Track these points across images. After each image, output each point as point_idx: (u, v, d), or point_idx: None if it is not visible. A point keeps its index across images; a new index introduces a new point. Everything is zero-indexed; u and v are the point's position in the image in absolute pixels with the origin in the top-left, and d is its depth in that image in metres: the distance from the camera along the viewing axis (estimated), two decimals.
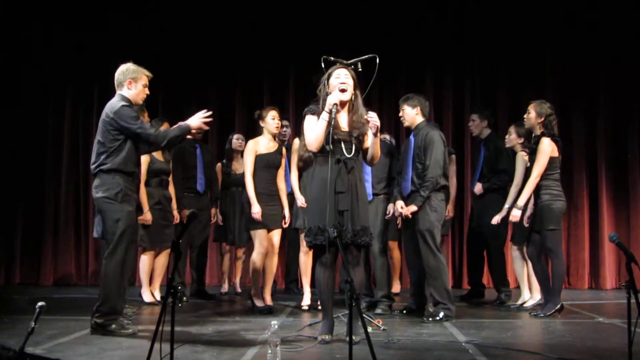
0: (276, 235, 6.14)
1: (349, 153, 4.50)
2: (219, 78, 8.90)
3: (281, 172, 6.22)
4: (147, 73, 4.92)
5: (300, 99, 8.69)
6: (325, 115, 4.42)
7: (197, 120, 4.76)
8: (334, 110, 4.40)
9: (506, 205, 6.25)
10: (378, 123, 4.44)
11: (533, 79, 8.65)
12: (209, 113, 4.79)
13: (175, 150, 6.94)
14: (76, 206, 8.82)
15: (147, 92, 4.96)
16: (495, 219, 6.33)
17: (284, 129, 6.99)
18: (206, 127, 4.89)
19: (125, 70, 4.88)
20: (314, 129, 4.49)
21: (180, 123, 4.82)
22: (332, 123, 4.39)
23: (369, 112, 4.50)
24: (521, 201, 5.77)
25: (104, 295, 4.71)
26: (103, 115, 4.80)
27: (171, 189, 6.74)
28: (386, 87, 8.64)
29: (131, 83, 4.84)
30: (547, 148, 5.71)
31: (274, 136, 6.23)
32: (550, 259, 5.87)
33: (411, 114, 5.79)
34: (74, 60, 8.77)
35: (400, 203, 5.79)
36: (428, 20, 8.66)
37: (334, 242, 4.20)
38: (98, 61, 8.53)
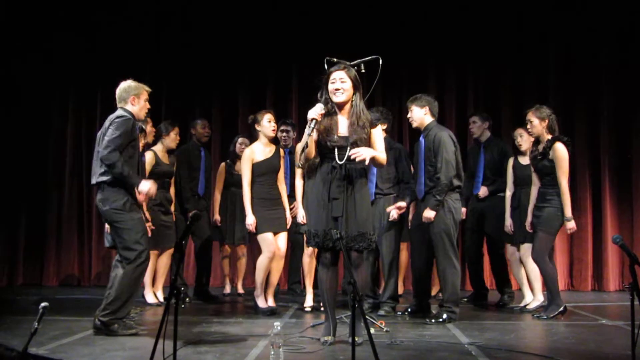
0: (282, 237, 6.14)
1: (341, 159, 4.46)
2: (222, 80, 8.91)
3: (281, 175, 6.22)
4: (147, 88, 5.09)
5: (303, 101, 8.69)
6: (306, 131, 4.41)
7: (144, 187, 4.81)
8: (312, 125, 4.38)
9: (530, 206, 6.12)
10: (361, 157, 4.35)
11: (536, 80, 8.64)
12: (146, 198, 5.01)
13: (181, 151, 6.99)
14: (79, 207, 8.83)
15: (149, 106, 5.13)
16: (527, 224, 6.15)
17: (284, 134, 6.94)
18: (143, 200, 5.02)
19: (127, 87, 5.00)
20: (299, 144, 4.48)
21: (136, 181, 4.83)
22: (312, 138, 4.41)
23: (354, 148, 4.37)
24: (568, 212, 5.67)
25: (116, 295, 4.74)
26: (106, 126, 4.88)
27: (172, 191, 6.76)
28: (388, 89, 8.64)
29: (134, 99, 4.98)
30: (565, 153, 5.69)
31: (271, 140, 6.21)
32: (537, 264, 5.85)
33: (419, 114, 5.74)
34: (77, 63, 8.77)
35: (401, 203, 5.84)
36: (430, 21, 8.64)
37: (336, 244, 4.20)
38: (101, 64, 8.56)
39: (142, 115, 5.09)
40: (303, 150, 4.41)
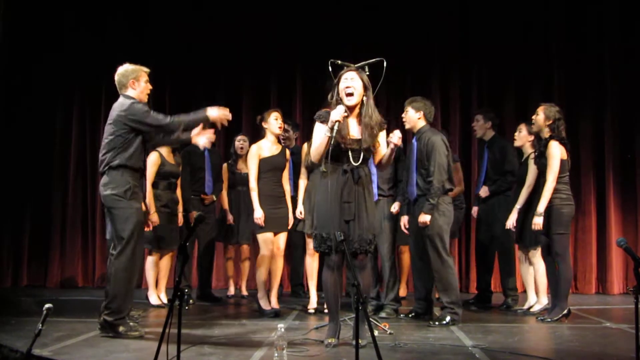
0: (281, 238, 6.16)
1: (356, 161, 4.48)
2: (226, 80, 8.92)
3: (286, 174, 6.24)
4: (146, 69, 5.03)
5: (307, 100, 8.70)
6: (327, 131, 4.41)
7: (217, 112, 4.85)
8: (335, 127, 4.38)
9: (517, 206, 6.24)
10: (399, 144, 4.48)
11: (540, 81, 8.64)
12: (230, 115, 4.91)
13: (183, 153, 6.98)
14: (83, 208, 8.83)
15: (150, 86, 5.06)
16: (509, 224, 6.30)
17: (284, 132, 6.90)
18: (224, 123, 4.95)
19: (124, 72, 4.96)
20: (317, 142, 4.50)
21: (198, 111, 4.89)
22: (333, 141, 4.39)
23: (395, 131, 4.48)
24: (541, 208, 5.69)
25: (113, 292, 4.73)
26: (113, 116, 4.86)
27: (179, 192, 6.76)
28: (392, 90, 8.62)
29: (134, 83, 4.93)
30: (557, 151, 5.70)
31: (278, 138, 6.24)
32: (557, 264, 5.85)
33: (413, 117, 5.79)
34: (81, 62, 8.76)
35: (404, 219, 5.94)
36: (433, 22, 8.63)
37: (341, 246, 4.20)
38: (105, 62, 8.52)
39: (145, 97, 4.99)
40: (330, 141, 4.39)
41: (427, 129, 5.75)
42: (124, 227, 4.72)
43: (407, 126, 5.89)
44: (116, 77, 4.97)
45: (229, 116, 4.90)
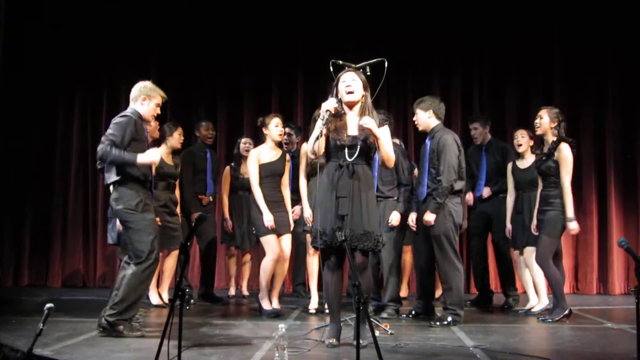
0: (286, 240, 6.15)
1: (351, 157, 4.49)
2: (227, 81, 8.92)
3: (285, 179, 6.23)
4: (162, 94, 5.05)
5: (308, 101, 8.69)
6: (319, 123, 4.44)
7: (146, 158, 4.76)
8: (326, 116, 4.41)
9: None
10: (368, 126, 4.38)
11: (541, 81, 8.64)
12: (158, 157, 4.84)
13: (184, 153, 6.98)
14: (84, 207, 8.84)
15: (159, 111, 5.09)
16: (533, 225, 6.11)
17: (286, 137, 6.84)
18: (154, 161, 4.88)
19: (142, 87, 5.00)
20: (311, 137, 4.54)
21: (132, 156, 4.75)
22: (324, 131, 4.43)
23: (364, 117, 4.43)
24: (570, 213, 5.67)
25: (123, 296, 4.74)
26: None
27: (177, 193, 6.76)
28: (393, 91, 8.63)
29: (145, 100, 4.96)
30: (569, 153, 5.71)
31: (278, 143, 6.23)
32: (540, 266, 5.83)
33: (424, 118, 5.74)
34: (82, 62, 8.77)
35: (412, 216, 5.84)
36: (434, 21, 8.63)
37: (341, 246, 4.20)
38: (106, 63, 8.56)
39: (149, 117, 5.04)
40: (316, 139, 4.42)
41: (440, 128, 5.71)
42: (140, 240, 4.76)
43: (420, 128, 5.84)
44: (133, 89, 5.01)
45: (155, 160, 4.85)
